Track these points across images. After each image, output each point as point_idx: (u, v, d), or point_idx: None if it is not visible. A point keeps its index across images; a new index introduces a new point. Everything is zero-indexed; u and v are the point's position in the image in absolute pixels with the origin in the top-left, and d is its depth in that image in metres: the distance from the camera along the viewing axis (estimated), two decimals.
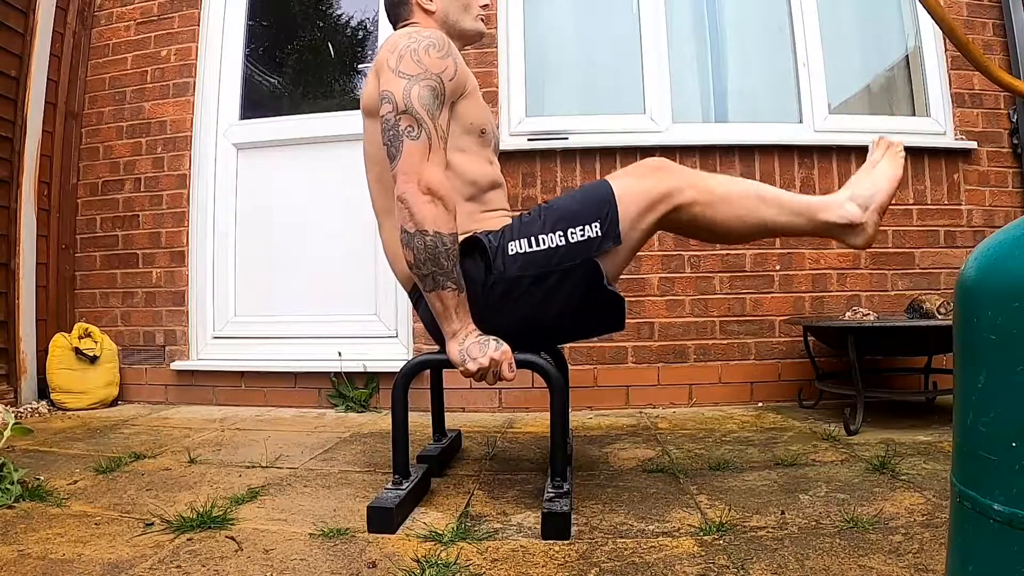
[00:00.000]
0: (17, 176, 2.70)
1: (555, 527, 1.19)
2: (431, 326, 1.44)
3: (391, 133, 1.27)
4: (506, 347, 1.29)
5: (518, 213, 1.44)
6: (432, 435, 1.81)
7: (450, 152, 1.34)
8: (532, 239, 1.32)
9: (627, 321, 1.48)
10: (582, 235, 1.31)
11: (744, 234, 1.42)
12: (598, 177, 2.58)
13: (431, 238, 1.24)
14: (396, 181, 1.27)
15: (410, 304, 1.84)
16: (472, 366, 1.27)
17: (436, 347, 1.50)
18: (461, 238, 1.32)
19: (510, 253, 1.32)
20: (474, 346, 1.28)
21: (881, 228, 2.51)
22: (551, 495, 1.27)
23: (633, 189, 1.33)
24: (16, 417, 2.41)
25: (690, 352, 2.51)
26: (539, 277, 1.31)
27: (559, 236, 1.32)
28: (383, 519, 1.24)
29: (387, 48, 1.34)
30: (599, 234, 1.31)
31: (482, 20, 1.55)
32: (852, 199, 1.40)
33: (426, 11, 1.49)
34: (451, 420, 2.08)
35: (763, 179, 2.57)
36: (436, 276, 1.25)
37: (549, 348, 1.63)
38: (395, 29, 1.51)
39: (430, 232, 1.24)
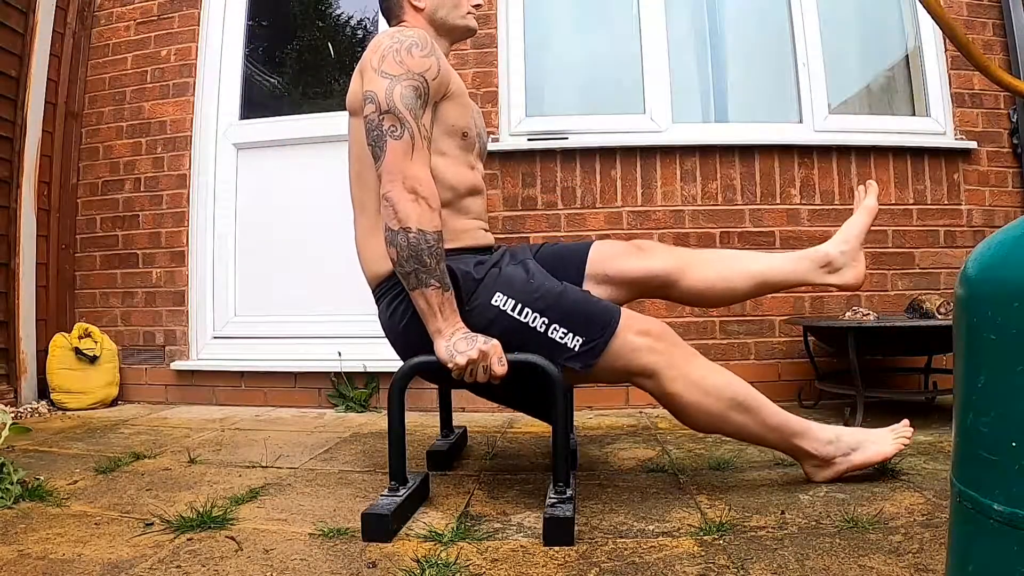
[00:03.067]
0: (17, 176, 2.70)
1: (558, 534, 1.16)
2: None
3: (375, 133, 1.28)
4: (495, 341, 1.28)
5: (500, 243, 1.43)
6: (440, 431, 1.85)
7: (431, 155, 1.34)
8: (519, 306, 1.32)
9: None
10: (561, 339, 1.31)
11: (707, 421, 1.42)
12: (598, 177, 2.60)
13: (414, 235, 1.24)
14: (381, 181, 1.27)
15: None
16: (461, 359, 1.25)
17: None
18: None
19: (491, 302, 1.33)
20: (461, 341, 1.27)
21: (881, 228, 2.56)
22: (553, 500, 1.23)
23: (632, 343, 1.33)
24: (16, 417, 2.42)
25: None
26: (502, 338, 1.31)
27: (543, 323, 1.32)
28: (377, 527, 1.20)
29: (371, 48, 1.35)
30: (575, 349, 1.31)
31: (473, 17, 1.55)
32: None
33: (415, 8, 1.50)
34: None
35: (763, 179, 2.57)
36: (419, 273, 1.25)
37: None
38: (389, 27, 1.52)
39: (413, 229, 1.24)
